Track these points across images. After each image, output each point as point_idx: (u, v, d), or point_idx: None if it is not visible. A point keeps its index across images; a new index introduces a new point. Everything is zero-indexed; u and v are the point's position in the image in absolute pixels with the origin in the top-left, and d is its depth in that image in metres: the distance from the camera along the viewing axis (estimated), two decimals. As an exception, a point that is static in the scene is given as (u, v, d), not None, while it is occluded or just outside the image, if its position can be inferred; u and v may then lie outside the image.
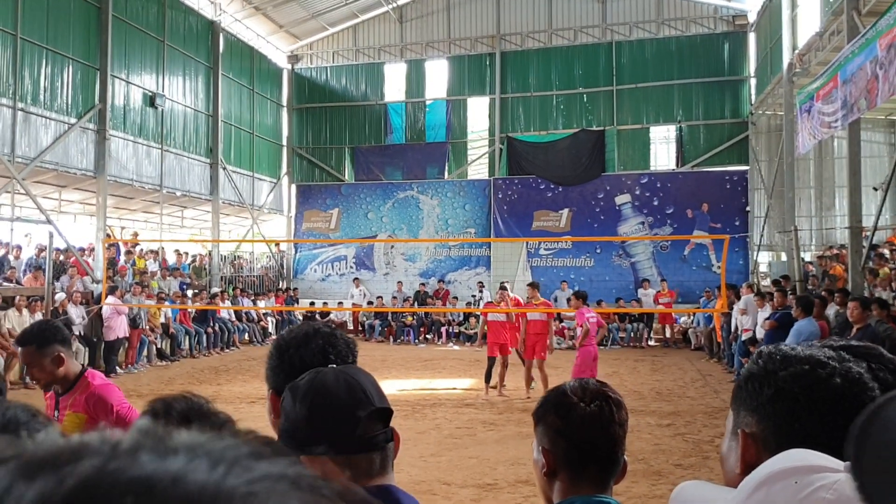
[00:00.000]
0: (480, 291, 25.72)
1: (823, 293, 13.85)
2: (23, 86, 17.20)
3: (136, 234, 24.61)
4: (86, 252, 19.82)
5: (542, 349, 13.44)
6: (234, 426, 2.16)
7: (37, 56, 17.66)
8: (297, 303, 27.23)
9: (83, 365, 4.04)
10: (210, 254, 25.55)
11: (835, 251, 19.75)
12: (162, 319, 19.59)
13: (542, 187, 27.24)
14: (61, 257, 18.73)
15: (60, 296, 16.98)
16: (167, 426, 1.56)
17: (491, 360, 13.94)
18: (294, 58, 30.52)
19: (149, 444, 0.46)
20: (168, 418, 2.08)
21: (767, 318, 13.98)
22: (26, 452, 0.45)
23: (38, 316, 15.56)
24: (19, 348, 3.85)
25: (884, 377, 1.34)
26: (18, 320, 15.27)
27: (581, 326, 12.38)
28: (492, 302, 16.01)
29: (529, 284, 14.29)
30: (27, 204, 18.68)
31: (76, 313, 17.14)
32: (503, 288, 14.71)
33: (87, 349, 17.26)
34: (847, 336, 9.70)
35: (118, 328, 17.26)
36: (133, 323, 17.89)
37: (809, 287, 17.73)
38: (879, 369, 1.36)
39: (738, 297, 17.37)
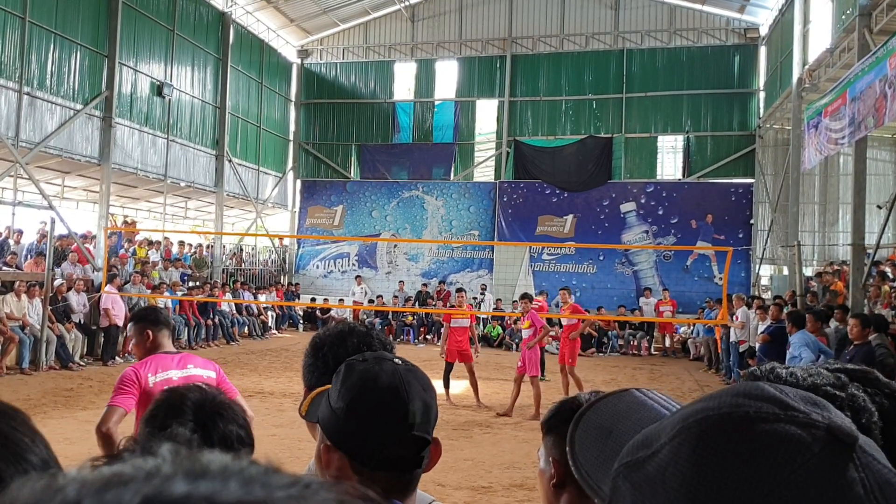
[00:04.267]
0: (482, 294, 25.71)
1: (823, 308, 13.81)
2: (29, 70, 17.16)
3: (131, 223, 24.51)
4: (87, 239, 19.77)
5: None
6: (246, 418, 2.18)
7: (45, 40, 17.63)
8: (298, 298, 27.24)
9: (179, 349, 4.96)
10: (211, 246, 25.52)
11: (836, 267, 19.71)
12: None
13: (547, 192, 27.22)
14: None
15: (59, 282, 16.92)
16: (182, 419, 1.61)
17: (448, 366, 13.82)
18: (304, 52, 30.51)
19: (182, 469, 0.49)
20: (182, 409, 2.09)
21: (762, 332, 13.96)
22: (62, 487, 0.48)
23: (37, 301, 15.57)
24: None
25: (880, 402, 1.31)
26: (17, 305, 15.25)
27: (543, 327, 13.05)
28: (454, 306, 15.95)
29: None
30: (30, 189, 18.67)
31: (77, 301, 17.12)
32: (460, 291, 14.73)
33: (85, 337, 17.23)
34: (846, 352, 9.68)
35: (116, 316, 17.20)
36: (131, 312, 17.81)
37: (808, 303, 17.70)
38: (875, 394, 1.33)
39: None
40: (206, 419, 2.09)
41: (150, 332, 4.54)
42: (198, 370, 4.54)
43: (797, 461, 0.68)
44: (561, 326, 15.86)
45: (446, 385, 13.76)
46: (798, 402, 0.73)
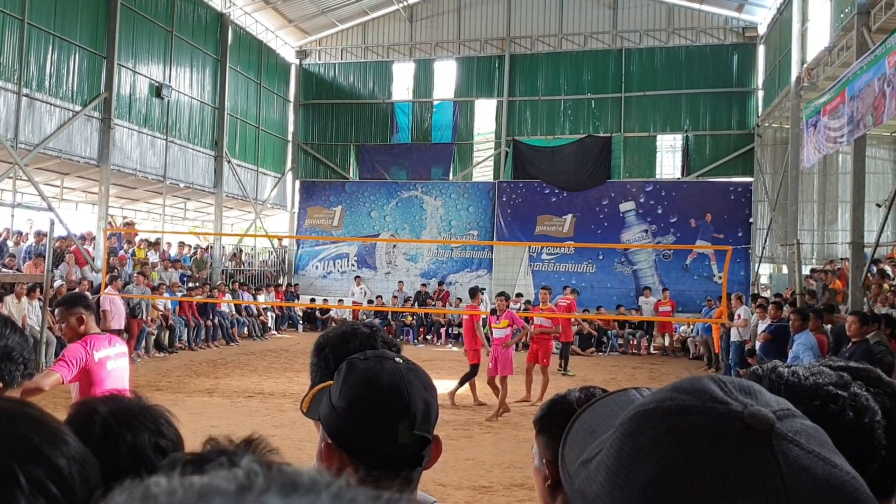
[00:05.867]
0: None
1: (822, 307, 13.81)
2: (28, 71, 17.14)
3: (131, 224, 24.52)
4: (85, 240, 19.73)
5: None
6: (171, 422, 1.99)
7: (43, 42, 17.62)
8: (298, 299, 27.23)
9: (103, 332, 5.23)
10: (210, 247, 25.49)
11: (835, 265, 19.69)
12: (160, 308, 19.47)
13: (546, 192, 27.21)
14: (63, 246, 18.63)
15: (59, 283, 16.87)
16: (89, 434, 1.48)
17: (474, 367, 13.69)
18: (302, 53, 30.51)
19: (275, 484, 0.50)
20: (91, 425, 1.77)
21: (763, 331, 13.96)
22: (159, 496, 0.50)
23: (37, 303, 15.53)
24: (55, 309, 5.13)
25: (882, 401, 1.31)
26: (17, 307, 15.22)
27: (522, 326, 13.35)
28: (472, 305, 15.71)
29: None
30: (29, 190, 18.65)
31: (76, 302, 17.02)
32: (478, 292, 14.66)
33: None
34: (844, 350, 9.68)
35: (115, 318, 17.03)
36: (132, 313, 17.77)
37: (807, 301, 17.70)
38: (878, 394, 1.33)
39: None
40: (114, 432, 1.87)
41: (84, 316, 4.94)
42: (122, 347, 5.17)
43: (706, 450, 0.70)
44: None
45: (468, 384, 13.65)
46: (729, 392, 0.75)
